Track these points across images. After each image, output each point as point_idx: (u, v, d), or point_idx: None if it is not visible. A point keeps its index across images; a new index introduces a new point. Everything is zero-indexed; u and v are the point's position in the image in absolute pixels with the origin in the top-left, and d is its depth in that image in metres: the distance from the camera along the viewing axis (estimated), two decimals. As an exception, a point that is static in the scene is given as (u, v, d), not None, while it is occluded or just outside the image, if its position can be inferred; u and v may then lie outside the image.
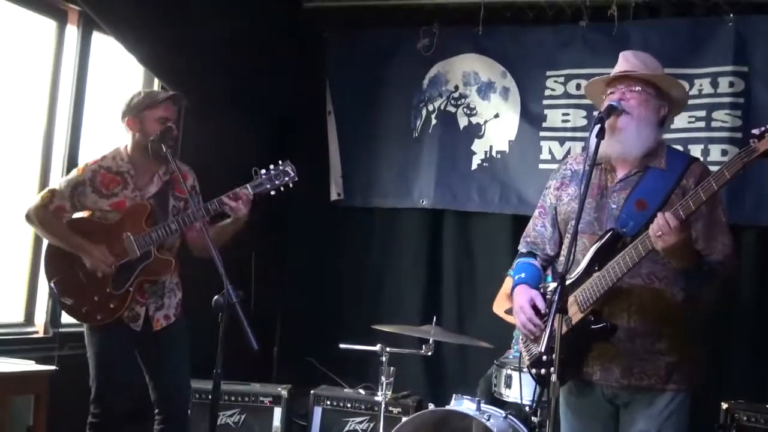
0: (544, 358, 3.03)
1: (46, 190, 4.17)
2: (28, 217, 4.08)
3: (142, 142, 4.11)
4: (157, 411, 4.23)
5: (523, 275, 3.41)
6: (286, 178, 4.07)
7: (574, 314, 3.13)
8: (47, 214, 4.04)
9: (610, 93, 3.26)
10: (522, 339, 3.44)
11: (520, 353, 3.47)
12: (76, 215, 4.10)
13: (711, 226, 3.11)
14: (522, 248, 3.56)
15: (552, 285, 3.37)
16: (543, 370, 3.23)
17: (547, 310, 3.23)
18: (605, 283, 3.07)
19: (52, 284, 4.06)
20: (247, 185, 4.04)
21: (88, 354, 4.13)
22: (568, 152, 5.67)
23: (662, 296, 3.13)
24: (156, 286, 4.14)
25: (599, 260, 3.12)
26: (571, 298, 3.13)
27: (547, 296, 3.27)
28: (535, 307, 3.25)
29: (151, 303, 4.13)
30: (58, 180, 4.45)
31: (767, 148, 2.80)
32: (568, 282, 3.19)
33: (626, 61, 3.32)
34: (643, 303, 3.12)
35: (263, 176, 4.05)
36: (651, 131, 3.20)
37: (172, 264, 4.11)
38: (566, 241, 3.35)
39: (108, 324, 4.03)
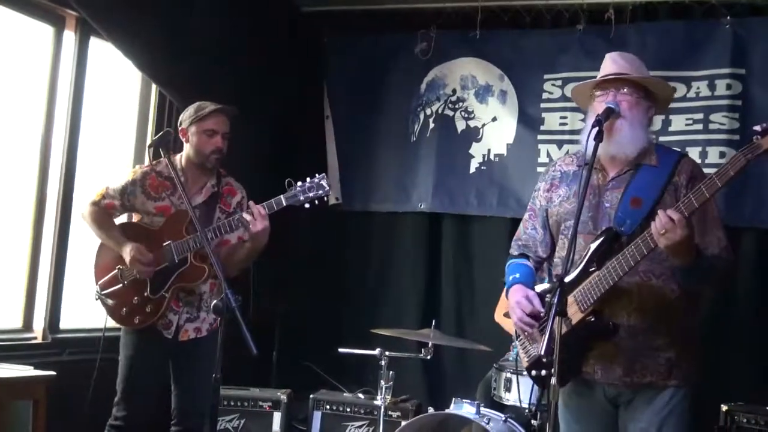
0: (544, 360, 3.02)
1: (101, 188, 4.28)
2: (82, 214, 4.27)
3: (190, 153, 4.23)
4: (174, 422, 4.27)
5: (517, 275, 3.42)
6: (320, 192, 4.06)
7: (574, 314, 3.13)
8: (99, 210, 4.21)
9: (599, 95, 3.26)
10: (519, 341, 3.44)
11: (518, 355, 3.47)
12: (124, 218, 4.34)
13: (704, 221, 3.11)
14: (513, 251, 3.57)
15: (544, 286, 3.37)
16: (543, 372, 3.23)
17: (542, 310, 3.24)
18: (606, 282, 3.07)
19: (97, 285, 4.18)
20: (281, 196, 4.05)
21: (120, 356, 4.21)
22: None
23: (660, 293, 3.13)
24: (192, 298, 4.20)
25: (597, 259, 3.12)
26: (570, 299, 3.13)
27: (546, 298, 3.27)
28: (531, 305, 3.26)
29: (183, 313, 4.19)
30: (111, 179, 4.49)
31: None
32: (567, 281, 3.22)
33: (614, 63, 3.32)
34: (642, 300, 3.12)
35: (297, 188, 4.06)
36: (643, 132, 3.23)
37: (206, 272, 4.14)
38: (560, 243, 3.35)
39: (143, 328, 4.12)
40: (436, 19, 6.14)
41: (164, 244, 4.10)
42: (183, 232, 4.11)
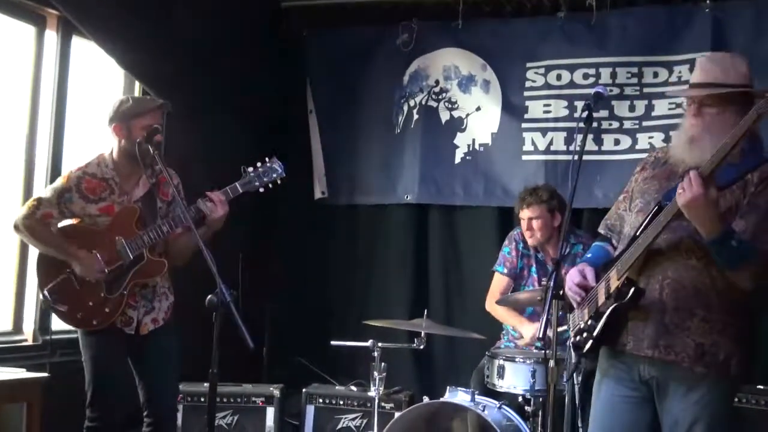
0: (539, 342, 3.03)
1: (31, 199, 4.15)
2: (16, 227, 4.06)
3: (128, 148, 4.09)
4: (145, 414, 4.23)
5: (589, 255, 3.40)
6: (274, 175, 4.18)
7: (613, 281, 3.10)
8: (34, 223, 4.01)
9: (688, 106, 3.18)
10: (570, 314, 3.41)
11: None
12: (65, 222, 4.08)
13: (765, 219, 3.01)
14: (600, 230, 3.51)
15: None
16: (578, 338, 3.22)
17: (593, 284, 3.22)
18: (639, 248, 3.04)
19: (45, 292, 4.02)
20: (236, 183, 4.12)
21: (83, 358, 4.11)
22: (551, 143, 5.71)
23: (699, 275, 3.06)
24: (146, 290, 4.14)
25: (640, 230, 3.09)
26: (613, 270, 3.12)
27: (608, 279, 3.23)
28: (584, 278, 3.24)
29: (141, 307, 4.13)
30: (42, 189, 4.43)
31: None
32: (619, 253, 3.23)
33: (701, 70, 3.19)
34: (679, 278, 3.06)
35: (251, 174, 4.15)
36: (718, 140, 2.98)
37: (165, 265, 4.12)
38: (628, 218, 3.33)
39: (103, 329, 4.02)
40: (417, 10, 6.14)
41: (116, 241, 4.01)
42: (134, 228, 4.04)
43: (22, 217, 4.03)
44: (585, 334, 3.19)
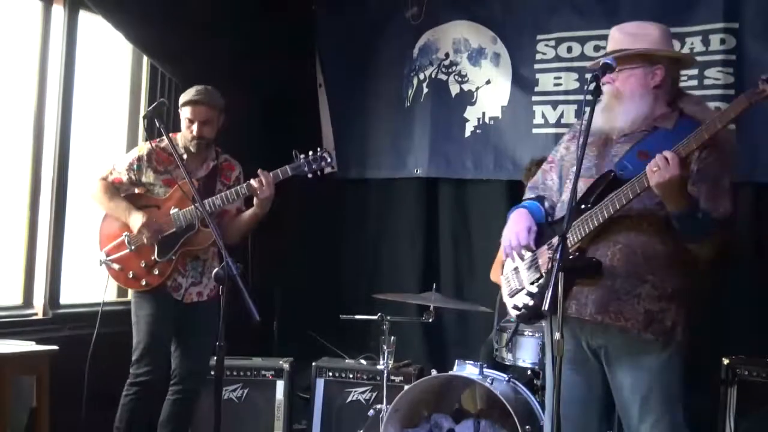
0: (545, 314, 3.03)
1: (108, 165, 4.47)
2: (92, 190, 4.43)
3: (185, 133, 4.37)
4: (174, 381, 4.43)
5: (525, 204, 3.43)
6: (323, 164, 4.40)
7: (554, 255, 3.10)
8: (107, 184, 4.41)
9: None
10: (503, 275, 3.44)
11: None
12: (131, 191, 4.43)
13: (715, 188, 3.07)
14: (528, 195, 3.53)
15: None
16: (521, 303, 3.28)
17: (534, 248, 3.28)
18: (596, 219, 3.07)
19: (103, 251, 4.33)
20: (287, 166, 4.33)
21: (133, 320, 4.36)
22: (561, 116, 5.66)
23: (649, 242, 3.10)
24: (196, 262, 4.41)
25: (591, 199, 3.10)
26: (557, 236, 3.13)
27: (553, 245, 3.25)
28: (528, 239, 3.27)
29: (189, 276, 4.39)
30: (118, 156, 4.72)
31: None
32: (555, 219, 3.30)
33: (612, 40, 3.33)
34: (630, 243, 3.10)
35: (302, 159, 4.36)
36: (642, 101, 3.20)
37: (213, 236, 4.21)
38: (566, 186, 3.35)
39: (153, 290, 4.31)
40: (427, -18, 6.11)
41: (171, 211, 4.29)
42: (189, 202, 4.29)
43: (99, 177, 4.43)
44: (530, 301, 3.24)
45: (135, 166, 4.38)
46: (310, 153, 4.36)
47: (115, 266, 4.32)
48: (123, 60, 5.47)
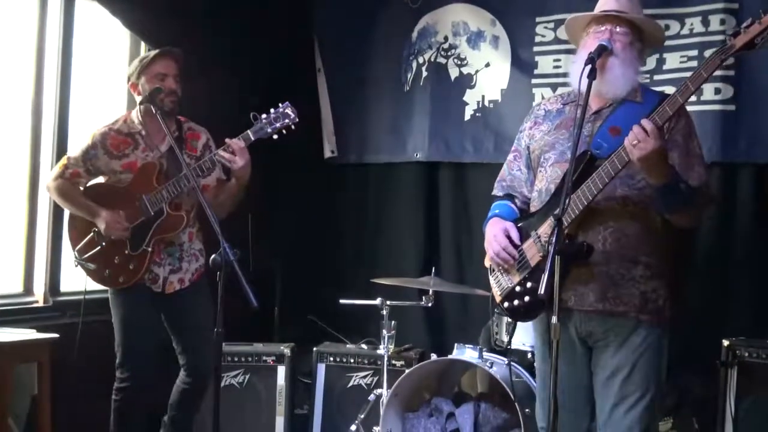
0: (544, 299, 3.02)
1: (62, 159, 4.28)
2: (48, 188, 4.26)
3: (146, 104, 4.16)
4: (185, 374, 4.32)
5: (497, 211, 3.44)
6: (286, 120, 4.11)
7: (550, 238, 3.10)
8: (63, 182, 4.18)
9: (595, 31, 3.24)
10: (492, 275, 3.43)
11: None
12: (92, 182, 4.22)
13: (687, 155, 3.11)
14: (497, 192, 3.57)
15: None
16: (515, 303, 3.28)
17: (519, 243, 3.27)
18: (580, 203, 3.06)
19: (75, 251, 4.19)
20: (248, 131, 4.10)
21: (113, 319, 4.22)
22: (561, 98, 5.64)
23: (639, 220, 3.12)
24: (173, 248, 4.23)
25: (573, 183, 3.06)
26: (545, 225, 3.16)
27: (538, 236, 3.25)
28: (509, 238, 3.28)
29: (166, 264, 4.22)
30: (71, 149, 4.52)
31: (744, 41, 2.85)
32: (539, 209, 3.28)
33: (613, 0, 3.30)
34: (620, 226, 3.11)
35: (263, 120, 4.11)
36: (634, 73, 3.23)
37: (184, 219, 4.18)
38: (539, 175, 3.35)
39: (131, 286, 4.14)
40: (425, -35, 6.07)
41: (137, 198, 4.11)
42: (154, 184, 4.12)
43: (53, 177, 4.22)
44: (526, 297, 3.21)
45: (90, 155, 4.17)
46: (271, 111, 4.11)
47: (90, 265, 4.17)
48: (121, 46, 5.45)
